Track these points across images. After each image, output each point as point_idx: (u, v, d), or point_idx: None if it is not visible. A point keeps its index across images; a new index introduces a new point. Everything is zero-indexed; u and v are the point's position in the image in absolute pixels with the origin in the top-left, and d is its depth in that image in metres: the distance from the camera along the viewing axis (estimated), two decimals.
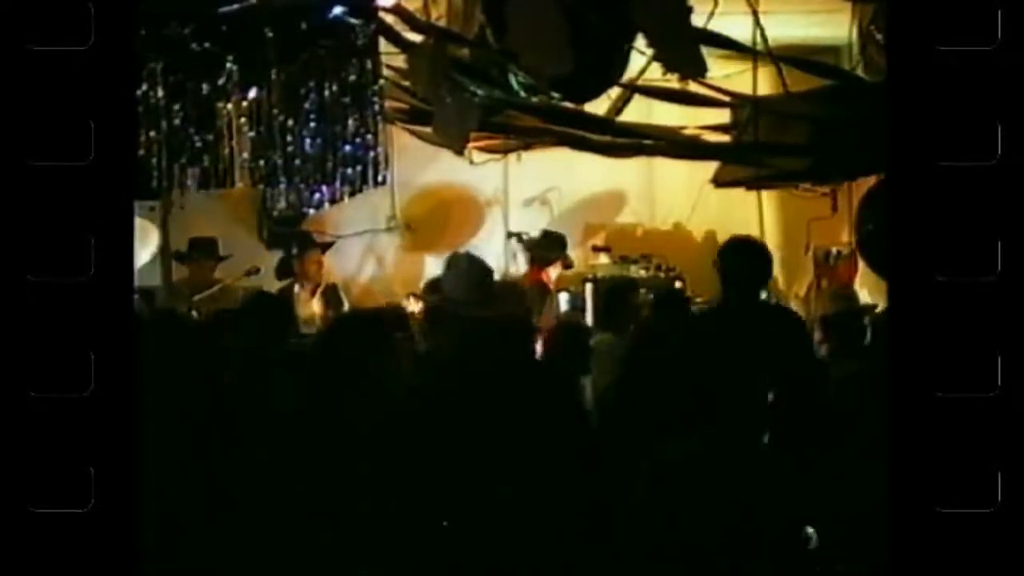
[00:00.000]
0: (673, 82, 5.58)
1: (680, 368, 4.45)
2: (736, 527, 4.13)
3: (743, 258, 4.52)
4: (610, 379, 5.22)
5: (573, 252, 8.89)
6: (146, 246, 7.43)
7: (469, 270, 4.92)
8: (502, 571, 4.07)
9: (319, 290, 8.03)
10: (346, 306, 7.96)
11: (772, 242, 8.65)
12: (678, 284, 8.11)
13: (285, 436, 4.11)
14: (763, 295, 4.84)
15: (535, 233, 8.79)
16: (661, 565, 4.06)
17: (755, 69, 5.52)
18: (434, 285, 5.64)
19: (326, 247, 8.32)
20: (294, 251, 8.14)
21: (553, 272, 8.24)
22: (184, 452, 3.86)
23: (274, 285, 8.20)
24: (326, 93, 5.88)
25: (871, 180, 6.48)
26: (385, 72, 6.12)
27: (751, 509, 4.20)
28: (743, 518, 4.17)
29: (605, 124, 6.32)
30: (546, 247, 8.36)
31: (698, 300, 7.10)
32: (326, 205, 6.37)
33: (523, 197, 9.20)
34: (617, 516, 4.13)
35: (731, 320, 4.45)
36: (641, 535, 4.10)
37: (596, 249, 8.88)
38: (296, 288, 8.04)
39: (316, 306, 7.90)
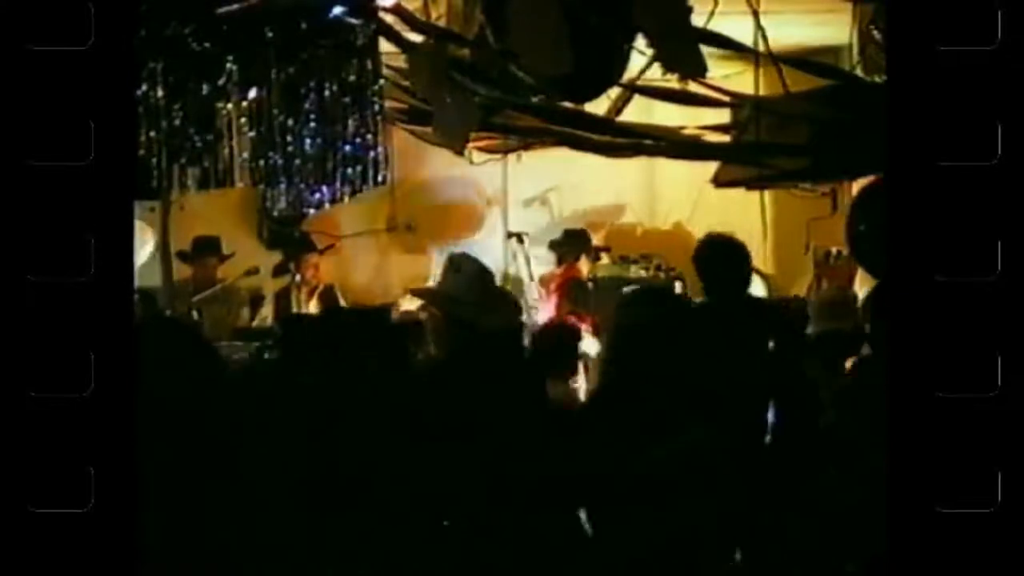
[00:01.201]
0: (673, 82, 5.58)
1: (660, 367, 4.47)
2: (730, 525, 4.14)
3: (719, 258, 4.61)
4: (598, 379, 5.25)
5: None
6: (141, 249, 7.43)
7: (470, 271, 4.89)
8: (499, 571, 4.07)
9: (316, 292, 8.05)
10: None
11: (772, 242, 8.67)
12: (678, 284, 8.13)
13: (286, 435, 4.11)
14: (748, 291, 4.95)
15: (533, 233, 8.81)
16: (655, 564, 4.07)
17: (756, 69, 5.52)
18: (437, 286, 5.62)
19: (324, 249, 8.34)
20: (291, 253, 8.17)
21: (584, 267, 8.30)
22: (184, 451, 3.86)
23: (275, 284, 8.24)
24: (326, 93, 5.87)
25: (866, 181, 6.49)
26: (385, 72, 6.12)
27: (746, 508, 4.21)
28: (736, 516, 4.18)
29: (605, 124, 6.33)
30: (571, 244, 8.41)
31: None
32: (326, 205, 6.37)
33: (523, 197, 9.21)
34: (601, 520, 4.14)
35: (714, 320, 4.52)
36: (628, 535, 4.11)
37: (596, 249, 8.89)
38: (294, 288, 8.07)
39: (313, 308, 7.92)
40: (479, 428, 4.20)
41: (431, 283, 6.68)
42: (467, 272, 4.80)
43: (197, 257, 7.92)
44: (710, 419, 4.19)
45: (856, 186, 7.55)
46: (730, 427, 4.21)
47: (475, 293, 4.71)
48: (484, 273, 4.88)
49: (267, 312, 8.06)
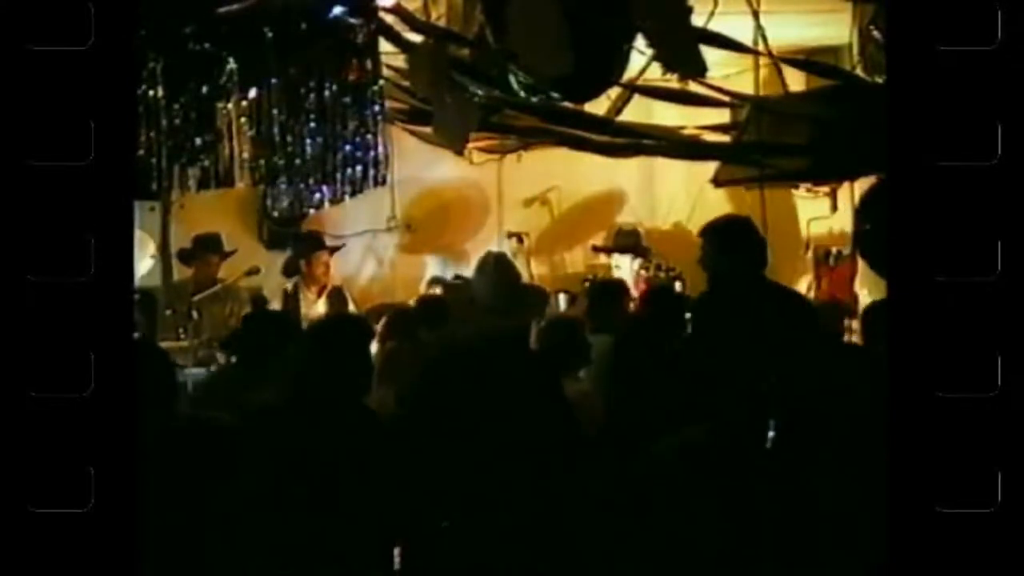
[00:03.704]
0: (673, 82, 5.58)
1: (675, 358, 4.48)
2: (736, 522, 4.13)
3: (725, 239, 4.61)
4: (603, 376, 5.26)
5: (572, 252, 8.92)
6: (140, 260, 7.43)
7: (495, 276, 4.85)
8: (497, 571, 4.06)
9: (325, 292, 8.05)
10: (351, 308, 7.97)
11: (772, 242, 8.67)
12: (678, 284, 8.13)
13: (286, 434, 4.11)
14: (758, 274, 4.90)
15: (535, 233, 8.81)
16: (661, 561, 4.06)
17: (756, 69, 5.52)
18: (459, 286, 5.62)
19: (334, 249, 8.34)
20: (301, 252, 8.15)
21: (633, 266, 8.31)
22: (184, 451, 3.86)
23: (275, 284, 8.23)
24: (326, 93, 5.88)
25: (871, 180, 6.48)
26: (385, 72, 6.12)
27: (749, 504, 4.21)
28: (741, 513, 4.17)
29: (605, 124, 6.32)
30: (617, 243, 8.42)
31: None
32: (326, 205, 6.37)
33: (523, 197, 9.21)
34: (614, 514, 4.12)
35: (722, 307, 4.53)
36: (638, 531, 4.10)
37: (596, 249, 8.88)
38: (299, 287, 8.07)
39: (322, 308, 7.93)
40: (484, 429, 4.19)
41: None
42: (492, 276, 4.75)
43: (198, 255, 7.91)
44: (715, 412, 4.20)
45: (857, 186, 7.55)
46: (733, 421, 4.21)
47: (497, 299, 4.68)
48: (510, 279, 4.83)
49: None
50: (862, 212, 6.02)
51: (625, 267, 8.36)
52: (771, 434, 3.94)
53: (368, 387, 4.38)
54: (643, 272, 8.45)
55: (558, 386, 4.57)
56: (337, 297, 8.04)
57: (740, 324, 4.44)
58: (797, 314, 4.59)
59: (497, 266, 4.85)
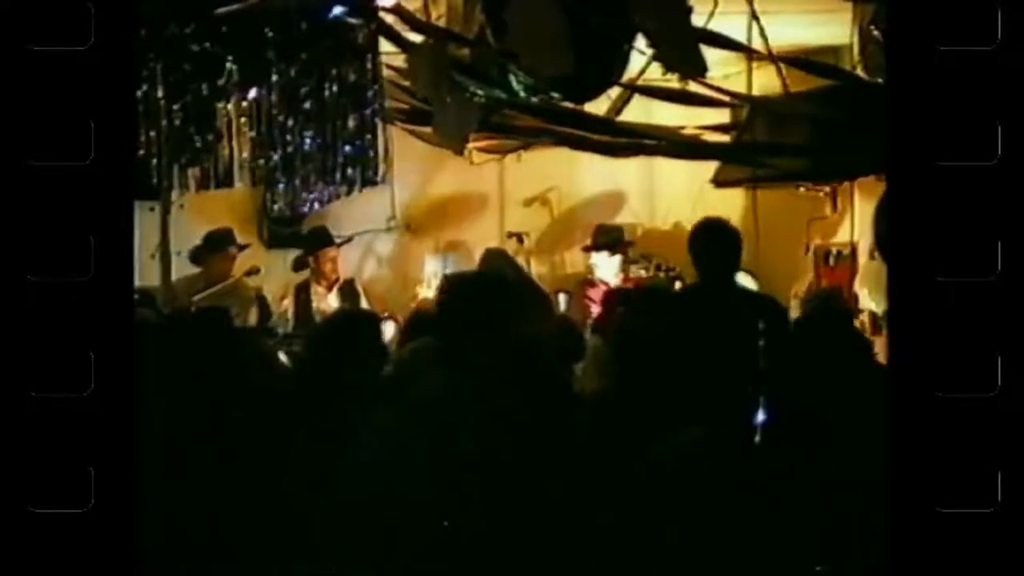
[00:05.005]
0: (673, 82, 5.58)
1: (659, 357, 4.48)
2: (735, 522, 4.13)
3: (712, 241, 4.68)
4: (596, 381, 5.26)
5: (572, 252, 8.92)
6: None
7: (504, 271, 4.76)
8: (498, 571, 4.06)
9: (336, 285, 8.07)
10: (363, 301, 7.98)
11: (772, 242, 8.69)
12: (677, 284, 8.12)
13: (288, 432, 4.11)
14: (736, 278, 5.21)
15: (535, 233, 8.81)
16: (661, 561, 4.06)
17: (750, 69, 5.53)
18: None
19: (342, 243, 8.36)
20: (309, 249, 8.18)
21: (611, 265, 8.28)
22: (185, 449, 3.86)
23: (275, 284, 8.24)
24: (326, 93, 5.87)
25: (871, 180, 6.48)
26: (385, 72, 6.13)
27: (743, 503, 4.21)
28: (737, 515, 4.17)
29: (605, 124, 6.32)
30: (598, 240, 8.40)
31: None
32: (324, 205, 6.37)
33: (523, 197, 9.21)
34: (610, 517, 4.12)
35: (706, 304, 4.59)
36: (633, 533, 4.10)
37: (586, 249, 8.88)
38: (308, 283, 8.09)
39: (333, 301, 7.95)
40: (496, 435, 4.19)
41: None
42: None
43: (212, 251, 7.91)
44: (707, 413, 4.19)
45: (859, 186, 7.56)
46: (727, 421, 4.20)
47: (497, 304, 4.60)
48: (509, 283, 4.75)
49: (287, 305, 8.08)
50: (883, 212, 6.00)
51: (603, 265, 8.32)
52: (760, 417, 3.97)
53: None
54: (632, 269, 8.44)
55: (568, 389, 4.58)
56: (349, 290, 8.08)
57: (704, 330, 4.54)
58: (765, 316, 4.65)
59: (503, 265, 4.78)
